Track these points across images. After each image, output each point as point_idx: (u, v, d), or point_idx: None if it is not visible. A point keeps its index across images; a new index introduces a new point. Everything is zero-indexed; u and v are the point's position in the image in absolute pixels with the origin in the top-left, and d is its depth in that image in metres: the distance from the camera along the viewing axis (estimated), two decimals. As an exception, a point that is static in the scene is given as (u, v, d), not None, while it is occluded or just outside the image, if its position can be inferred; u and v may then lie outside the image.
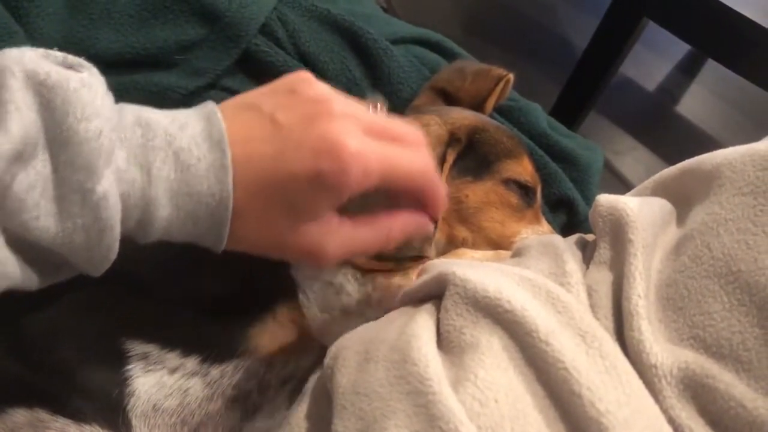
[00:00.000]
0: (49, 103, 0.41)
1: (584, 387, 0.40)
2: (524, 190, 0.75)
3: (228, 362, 0.60)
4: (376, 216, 0.53)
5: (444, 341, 0.48)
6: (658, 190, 0.59)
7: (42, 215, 0.41)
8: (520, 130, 0.91)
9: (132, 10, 0.77)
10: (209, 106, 0.48)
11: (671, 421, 0.41)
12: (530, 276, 0.50)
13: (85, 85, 0.43)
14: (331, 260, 0.51)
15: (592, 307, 0.49)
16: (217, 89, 0.81)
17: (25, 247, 0.43)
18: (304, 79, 0.51)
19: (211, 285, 0.63)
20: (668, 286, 0.47)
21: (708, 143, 1.99)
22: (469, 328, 0.47)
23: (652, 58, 2.13)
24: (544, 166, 0.86)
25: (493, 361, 0.44)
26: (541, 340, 0.43)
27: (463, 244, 0.73)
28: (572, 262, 0.52)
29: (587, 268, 0.53)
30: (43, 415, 0.56)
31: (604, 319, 0.48)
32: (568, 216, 0.86)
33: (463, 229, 0.73)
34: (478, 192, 0.73)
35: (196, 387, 0.59)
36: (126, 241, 0.46)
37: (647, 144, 1.93)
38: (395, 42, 0.96)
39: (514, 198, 0.74)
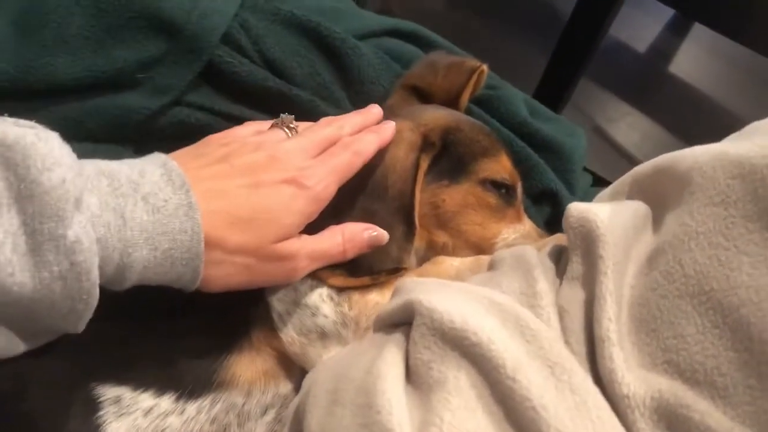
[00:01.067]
0: (10, 161, 0.42)
1: (552, 427, 0.39)
2: (503, 189, 0.73)
3: (205, 396, 0.59)
4: (329, 228, 0.61)
5: (413, 376, 0.47)
6: (635, 188, 0.57)
7: (17, 271, 0.42)
8: (500, 120, 0.88)
9: (87, 32, 0.74)
10: (160, 155, 0.54)
11: (646, 454, 0.40)
12: (500, 300, 0.49)
13: (41, 138, 0.44)
14: (303, 271, 0.59)
15: (564, 330, 0.47)
16: (182, 105, 0.78)
17: (6, 309, 0.44)
18: (221, 136, 0.63)
19: (182, 316, 0.61)
20: (641, 305, 0.45)
21: (703, 102, 1.95)
22: (437, 362, 0.45)
23: (640, 18, 2.08)
24: (525, 159, 0.84)
25: (460, 401, 0.42)
26: (508, 377, 0.42)
27: (444, 249, 0.71)
28: (543, 281, 0.51)
29: (560, 283, 0.52)
30: None
31: (575, 344, 0.46)
32: (552, 208, 0.84)
33: (443, 234, 0.71)
34: (455, 195, 0.71)
35: (172, 426, 0.57)
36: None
37: (641, 108, 1.89)
38: (366, 36, 0.93)
39: (492, 198, 0.72)
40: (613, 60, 2.02)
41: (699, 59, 2.08)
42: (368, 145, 0.63)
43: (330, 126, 0.64)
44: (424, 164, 0.69)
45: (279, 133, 0.64)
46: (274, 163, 0.57)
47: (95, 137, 0.75)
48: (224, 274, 0.54)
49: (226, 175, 0.55)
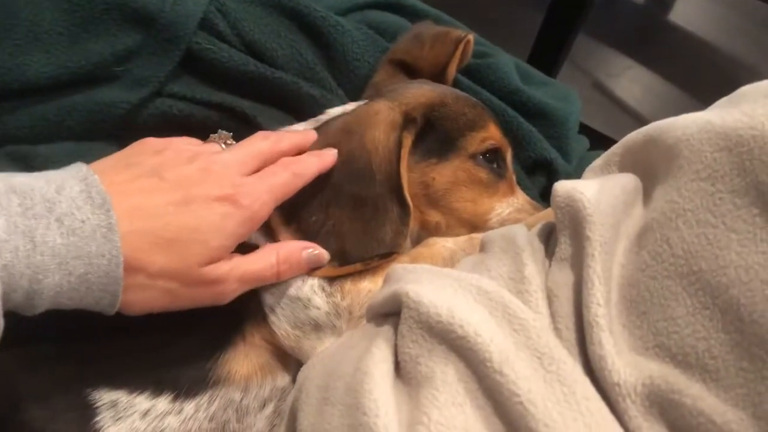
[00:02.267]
0: None
1: (541, 423, 0.38)
2: (494, 163, 0.71)
3: (202, 394, 0.58)
4: (263, 246, 0.59)
5: (402, 370, 0.46)
6: (627, 158, 0.55)
7: None
8: (491, 89, 0.86)
9: (60, 27, 0.73)
10: (82, 167, 0.50)
11: (639, 442, 0.39)
12: (488, 288, 0.47)
13: None
14: (233, 294, 0.56)
15: (553, 316, 0.46)
16: (163, 97, 0.77)
17: None
18: (154, 143, 0.58)
19: (172, 316, 0.61)
20: (631, 286, 0.44)
21: (706, 50, 1.90)
22: (425, 357, 0.44)
23: (637, -33, 2.03)
24: (517, 128, 0.82)
25: (448, 397, 0.42)
26: (495, 371, 0.41)
27: (437, 228, 0.70)
28: (531, 265, 0.50)
29: (550, 264, 0.50)
30: None
31: (565, 329, 0.45)
32: (548, 178, 0.82)
33: (435, 213, 0.70)
34: (444, 173, 0.69)
35: (171, 426, 0.57)
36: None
37: (642, 61, 1.85)
38: (350, 10, 0.91)
39: (483, 173, 0.70)
40: (610, 13, 1.97)
41: (699, 5, 2.02)
42: (309, 167, 0.60)
43: (266, 140, 0.61)
44: (407, 142, 0.67)
45: (215, 146, 0.62)
46: (208, 176, 0.54)
47: (76, 135, 0.74)
48: (146, 298, 0.51)
49: (154, 190, 0.52)
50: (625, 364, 0.41)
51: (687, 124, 0.47)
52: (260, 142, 0.61)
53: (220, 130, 0.66)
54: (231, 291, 0.55)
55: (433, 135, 0.70)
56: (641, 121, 0.54)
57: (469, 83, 0.84)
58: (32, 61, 0.71)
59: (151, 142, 0.58)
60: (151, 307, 0.53)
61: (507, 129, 0.80)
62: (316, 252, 0.60)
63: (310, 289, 0.61)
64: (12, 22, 0.72)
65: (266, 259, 0.57)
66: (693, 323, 0.40)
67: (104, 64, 0.75)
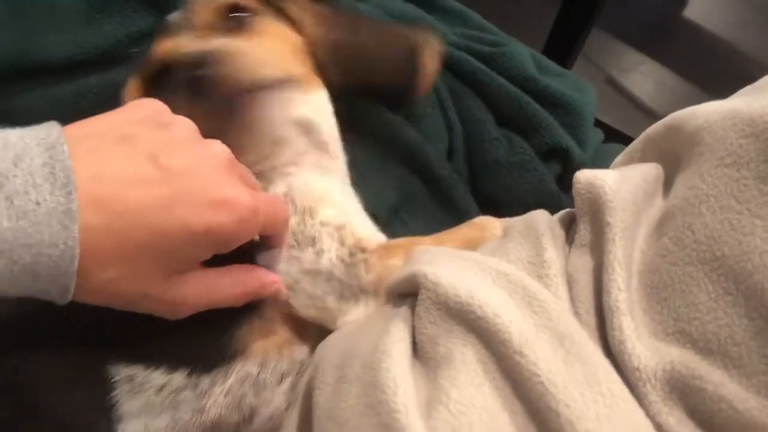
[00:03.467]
0: None
1: (562, 403, 0.38)
2: None
3: (217, 369, 0.58)
4: (232, 268, 0.51)
5: (420, 351, 0.46)
6: (648, 149, 0.55)
7: None
8: (507, 76, 0.85)
9: (76, 7, 0.73)
10: (53, 131, 0.41)
11: (659, 427, 0.39)
12: (507, 270, 0.47)
13: None
14: (188, 312, 0.49)
15: (573, 300, 0.46)
16: (178, 78, 0.77)
17: None
18: (162, 111, 0.49)
19: None
20: (651, 272, 0.44)
21: (721, 48, 1.88)
22: (443, 337, 0.44)
23: (653, -38, 2.02)
24: (533, 115, 0.81)
25: (467, 377, 0.41)
26: (515, 351, 0.40)
27: None
28: (552, 249, 0.49)
29: (570, 250, 0.50)
30: None
31: (585, 314, 0.45)
32: (563, 165, 0.82)
33: None
34: None
35: (186, 401, 0.57)
36: None
37: (655, 57, 1.83)
38: (368, -1, 0.91)
39: None
40: (624, 7, 1.96)
41: (715, 2, 2.01)
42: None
43: None
44: None
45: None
46: (206, 172, 0.46)
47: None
48: (98, 297, 0.46)
49: (142, 179, 0.43)
50: (646, 348, 0.41)
51: (709, 112, 0.47)
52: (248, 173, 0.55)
53: None
54: (184, 313, 0.50)
55: None
56: (654, 116, 0.54)
57: (483, 69, 0.83)
58: (48, 41, 0.71)
59: (156, 108, 0.49)
60: (112, 301, 0.47)
61: (522, 115, 0.80)
62: (279, 290, 0.57)
63: (329, 261, 0.60)
64: (29, 2, 0.73)
65: (233, 288, 0.51)
66: (715, 309, 0.39)
67: (118, 46, 0.75)
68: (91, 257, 0.41)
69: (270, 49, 0.66)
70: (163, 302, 0.47)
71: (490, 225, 0.65)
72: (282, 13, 0.72)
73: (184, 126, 0.49)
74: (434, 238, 0.65)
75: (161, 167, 0.44)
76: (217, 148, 0.49)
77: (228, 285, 0.51)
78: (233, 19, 0.66)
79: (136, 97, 0.66)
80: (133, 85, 0.69)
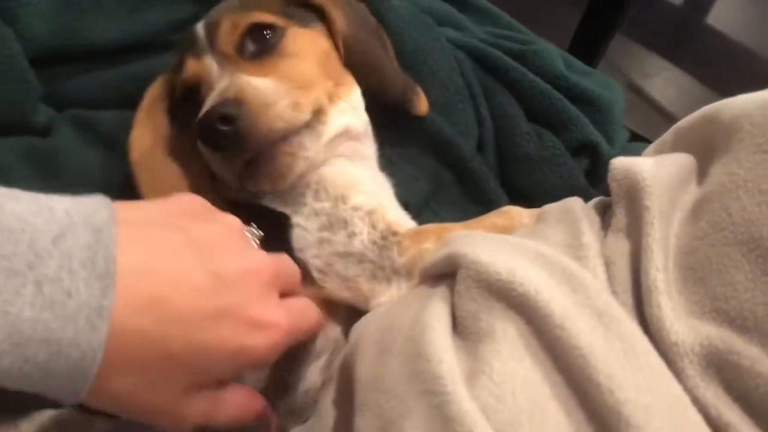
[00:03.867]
0: None
1: (602, 374, 0.39)
2: None
3: None
4: (236, 389, 0.46)
5: (460, 327, 0.47)
6: (680, 141, 0.56)
7: None
8: (537, 74, 0.87)
9: (122, -8, 0.75)
10: (103, 211, 0.37)
11: (695, 401, 0.40)
12: (546, 251, 0.49)
13: None
14: (189, 429, 0.43)
15: (610, 280, 0.47)
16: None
17: None
18: (208, 206, 0.46)
19: None
20: (687, 254, 0.45)
21: (744, 55, 1.89)
22: (484, 314, 0.46)
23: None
24: (563, 110, 0.83)
25: (509, 351, 0.43)
26: (556, 326, 0.42)
27: None
28: (589, 233, 0.51)
29: (605, 235, 0.52)
30: (70, 411, 0.56)
31: (622, 293, 0.46)
32: (592, 160, 0.83)
33: None
34: None
35: None
36: None
37: (678, 63, 1.84)
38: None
39: None
40: (647, 13, 1.97)
41: (738, 8, 2.01)
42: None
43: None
44: None
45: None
46: (252, 285, 0.43)
47: (135, 103, 0.76)
48: (108, 404, 0.39)
49: (192, 285, 0.39)
50: (683, 326, 0.42)
51: (745, 103, 0.48)
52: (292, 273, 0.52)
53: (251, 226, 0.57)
54: (187, 429, 0.43)
55: None
56: (675, 122, 0.55)
57: (515, 65, 0.85)
58: (96, 26, 0.74)
59: (200, 205, 0.46)
60: (125, 410, 0.41)
61: (553, 111, 0.81)
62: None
63: (361, 244, 0.62)
64: (77, -11, 0.75)
65: (235, 410, 0.46)
66: (752, 288, 0.40)
67: (160, 33, 0.77)
68: (115, 362, 0.36)
69: (298, 77, 0.65)
70: (172, 417, 0.42)
71: (518, 214, 0.66)
72: (308, 7, 0.73)
73: (232, 222, 0.47)
74: (463, 225, 0.66)
75: (212, 273, 0.40)
76: (264, 258, 0.45)
77: (232, 407, 0.45)
78: (257, 38, 0.66)
79: (156, 105, 0.68)
80: (155, 91, 0.70)
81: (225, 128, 0.57)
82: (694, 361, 0.41)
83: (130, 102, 0.74)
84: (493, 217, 0.67)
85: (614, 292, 0.47)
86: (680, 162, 0.51)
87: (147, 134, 0.69)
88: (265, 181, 0.62)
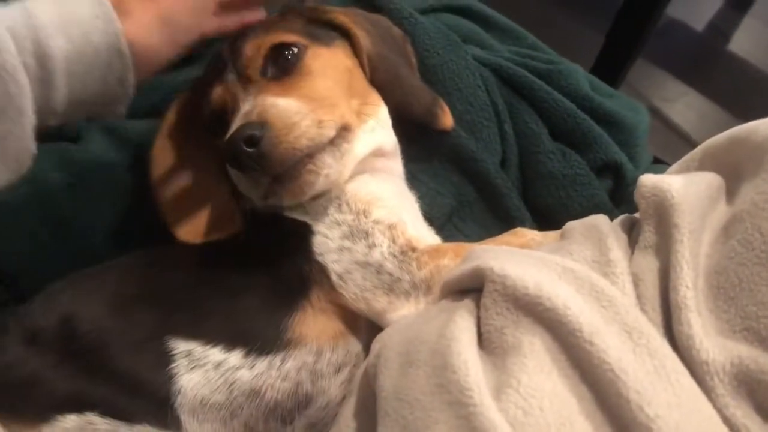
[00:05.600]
0: None
1: (632, 390, 0.39)
2: None
3: (275, 353, 0.60)
4: None
5: (485, 341, 0.47)
6: (707, 161, 0.56)
7: None
8: (562, 93, 0.87)
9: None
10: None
11: (726, 420, 0.40)
12: (573, 267, 0.49)
13: None
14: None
15: (639, 298, 0.47)
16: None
17: None
18: None
19: (240, 279, 0.64)
20: (718, 273, 0.45)
21: (764, 81, 1.88)
22: (510, 328, 0.46)
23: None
24: (588, 130, 0.83)
25: (536, 364, 0.43)
26: (585, 340, 0.42)
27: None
28: (617, 249, 0.51)
29: (632, 252, 0.51)
30: (93, 418, 0.58)
31: (651, 311, 0.46)
32: (615, 181, 0.83)
33: None
34: None
35: (242, 379, 0.59)
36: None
37: (699, 88, 1.84)
38: (425, 12, 0.93)
39: None
40: (669, 38, 1.97)
41: (761, 35, 2.01)
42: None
43: None
44: None
45: None
46: None
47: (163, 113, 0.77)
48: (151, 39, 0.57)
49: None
50: (713, 344, 0.41)
51: None
52: None
53: None
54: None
55: None
56: (694, 146, 0.55)
57: (540, 84, 0.85)
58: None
59: None
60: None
61: (578, 131, 0.81)
62: None
63: (381, 255, 0.62)
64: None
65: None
66: (784, 308, 0.40)
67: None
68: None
69: (321, 95, 0.65)
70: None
71: (529, 233, 0.67)
72: (331, 26, 0.74)
73: None
74: (479, 245, 0.66)
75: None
76: None
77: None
78: (280, 59, 0.67)
79: (174, 125, 0.71)
80: (175, 111, 0.72)
81: (250, 150, 0.58)
82: (725, 380, 0.40)
83: (158, 112, 0.75)
84: (507, 237, 0.67)
85: (643, 310, 0.46)
86: (709, 181, 0.51)
87: (167, 154, 0.71)
88: (287, 196, 0.63)
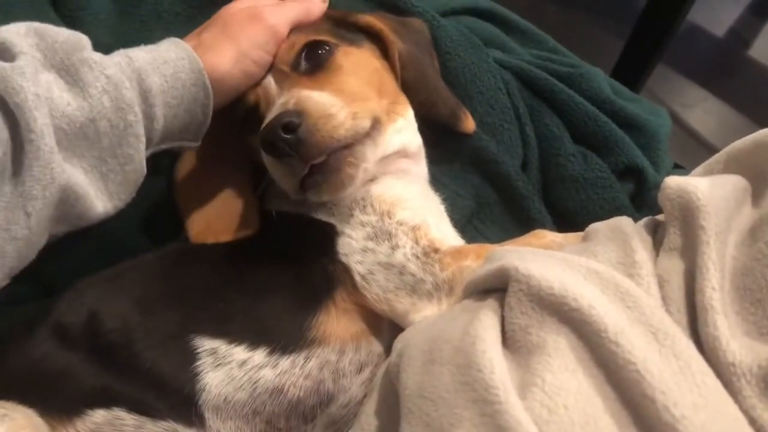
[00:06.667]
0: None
1: (658, 390, 0.39)
2: None
3: (298, 352, 0.61)
4: None
5: (510, 340, 0.47)
6: (731, 164, 0.56)
7: (71, 100, 0.52)
8: (584, 97, 0.87)
9: (179, 7, 0.77)
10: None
11: (753, 422, 0.39)
12: (598, 268, 0.49)
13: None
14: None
15: (664, 299, 0.47)
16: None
17: (77, 142, 0.52)
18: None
19: (264, 278, 0.64)
20: (744, 275, 0.45)
21: (784, 88, 1.87)
22: (535, 327, 0.46)
23: (720, 1, 2.01)
24: (609, 134, 0.83)
25: (561, 363, 0.43)
26: (610, 341, 0.42)
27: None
28: (642, 251, 0.50)
29: (657, 254, 0.51)
30: (120, 413, 0.58)
31: (676, 312, 0.46)
32: (637, 184, 0.82)
33: None
34: None
35: (266, 378, 0.60)
36: None
37: (718, 94, 1.83)
38: (445, 14, 0.93)
39: None
40: (689, 44, 1.96)
41: (780, 42, 2.00)
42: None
43: None
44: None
45: None
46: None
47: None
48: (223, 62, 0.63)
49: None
50: (740, 346, 0.41)
51: None
52: None
53: None
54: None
55: None
56: (714, 152, 0.55)
57: (561, 87, 0.85)
58: (154, 36, 0.75)
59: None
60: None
61: (599, 134, 0.81)
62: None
63: (404, 256, 0.62)
64: (136, 3, 0.77)
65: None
66: (812, 310, 0.40)
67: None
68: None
69: (352, 90, 0.66)
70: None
71: (549, 234, 0.67)
72: (359, 30, 0.75)
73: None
74: (501, 246, 0.66)
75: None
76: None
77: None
78: (312, 55, 0.68)
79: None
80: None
81: (288, 136, 0.59)
82: (752, 381, 0.40)
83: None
84: (527, 239, 0.67)
85: (668, 311, 0.46)
86: (735, 183, 0.51)
87: (191, 155, 0.72)
88: (327, 190, 0.63)
